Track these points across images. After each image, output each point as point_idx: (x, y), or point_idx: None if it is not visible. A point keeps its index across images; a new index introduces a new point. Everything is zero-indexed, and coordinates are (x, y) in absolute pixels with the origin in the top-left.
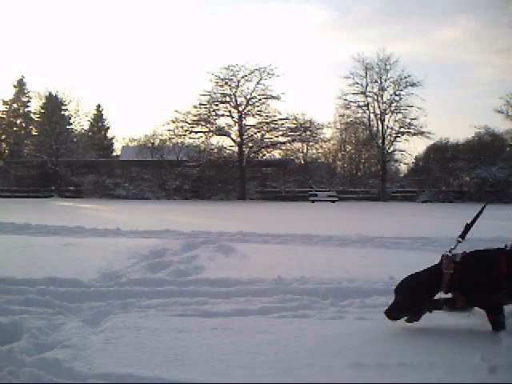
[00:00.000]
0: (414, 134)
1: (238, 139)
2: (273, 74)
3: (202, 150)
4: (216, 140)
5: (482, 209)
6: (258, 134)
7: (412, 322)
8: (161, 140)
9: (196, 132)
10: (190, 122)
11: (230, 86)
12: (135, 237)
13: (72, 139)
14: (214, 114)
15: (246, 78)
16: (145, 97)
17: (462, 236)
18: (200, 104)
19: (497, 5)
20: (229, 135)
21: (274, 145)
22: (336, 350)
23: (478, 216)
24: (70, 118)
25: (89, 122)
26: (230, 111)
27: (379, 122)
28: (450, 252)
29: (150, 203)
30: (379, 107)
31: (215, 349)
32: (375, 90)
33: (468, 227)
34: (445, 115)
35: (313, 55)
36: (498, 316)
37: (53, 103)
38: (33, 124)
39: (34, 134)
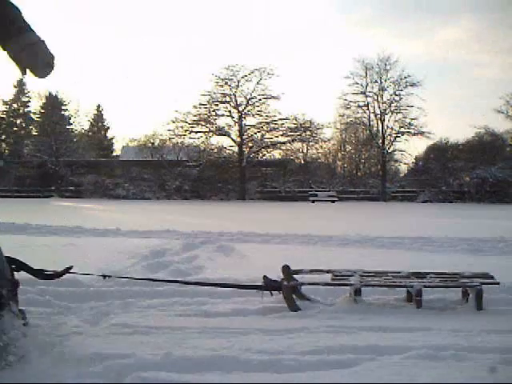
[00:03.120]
0: (414, 134)
1: (238, 139)
2: (273, 74)
3: (202, 150)
4: (216, 140)
5: None
6: (258, 134)
7: None
8: (161, 140)
9: (196, 132)
10: (189, 122)
11: (230, 85)
12: (135, 237)
13: (72, 139)
14: (213, 113)
15: (246, 77)
16: (145, 97)
17: None
18: (200, 104)
19: (498, 5)
20: (229, 135)
21: (274, 145)
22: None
23: None
24: (70, 118)
25: (89, 122)
26: (230, 111)
27: (379, 122)
28: None
29: (150, 203)
30: (379, 107)
31: (215, 349)
32: (375, 90)
33: None
34: (445, 115)
35: (313, 55)
36: None
37: (53, 103)
38: (33, 124)
39: (33, 133)
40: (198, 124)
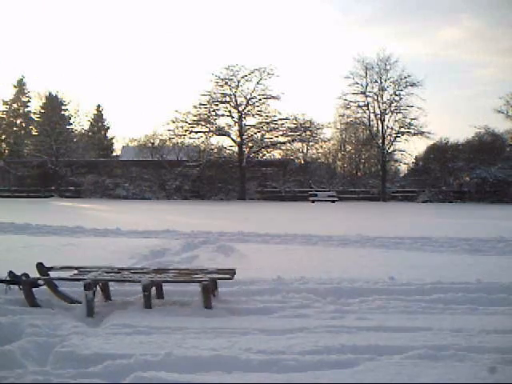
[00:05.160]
0: (414, 134)
1: (238, 139)
2: (273, 74)
3: (202, 150)
4: (216, 140)
5: None
6: (258, 134)
7: None
8: (161, 140)
9: (196, 132)
10: (189, 122)
11: (230, 86)
12: (135, 237)
13: (72, 139)
14: (213, 114)
15: (246, 78)
16: (145, 97)
17: None
18: (200, 104)
19: (499, 5)
20: (229, 135)
21: (274, 145)
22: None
23: None
24: (70, 118)
25: (89, 122)
26: (229, 111)
27: (379, 122)
28: None
29: (150, 203)
30: (379, 107)
31: (215, 349)
32: (375, 90)
33: None
34: (445, 115)
35: (313, 55)
36: None
37: (53, 103)
38: (33, 124)
39: (34, 134)
40: (198, 124)
